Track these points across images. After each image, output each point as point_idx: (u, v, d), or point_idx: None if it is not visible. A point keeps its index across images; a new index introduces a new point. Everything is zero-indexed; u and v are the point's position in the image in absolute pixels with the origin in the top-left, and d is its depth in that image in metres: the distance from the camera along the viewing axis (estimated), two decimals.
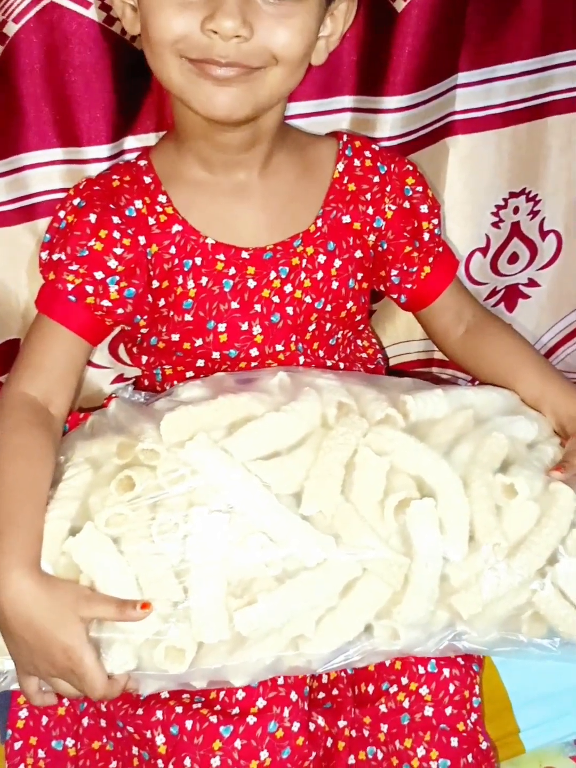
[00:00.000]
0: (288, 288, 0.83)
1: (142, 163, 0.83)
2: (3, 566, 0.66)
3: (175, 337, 0.83)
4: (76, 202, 0.80)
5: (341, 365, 0.90)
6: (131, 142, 0.87)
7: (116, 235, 0.79)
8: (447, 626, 0.71)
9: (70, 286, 0.78)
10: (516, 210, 1.03)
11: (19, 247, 0.88)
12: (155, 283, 0.81)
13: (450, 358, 0.97)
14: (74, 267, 0.78)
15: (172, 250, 0.81)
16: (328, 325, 0.87)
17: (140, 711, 0.73)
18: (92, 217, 0.78)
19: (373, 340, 0.98)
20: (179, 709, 0.71)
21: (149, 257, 0.81)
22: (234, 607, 0.66)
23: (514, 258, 1.07)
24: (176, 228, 0.81)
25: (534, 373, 0.86)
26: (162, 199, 0.81)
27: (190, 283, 0.81)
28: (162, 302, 0.82)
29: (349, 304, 0.87)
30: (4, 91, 0.79)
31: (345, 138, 0.87)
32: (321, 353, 0.88)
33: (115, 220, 0.79)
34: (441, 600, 0.70)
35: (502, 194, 1.01)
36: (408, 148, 0.93)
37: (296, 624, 0.67)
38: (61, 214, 0.81)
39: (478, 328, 0.92)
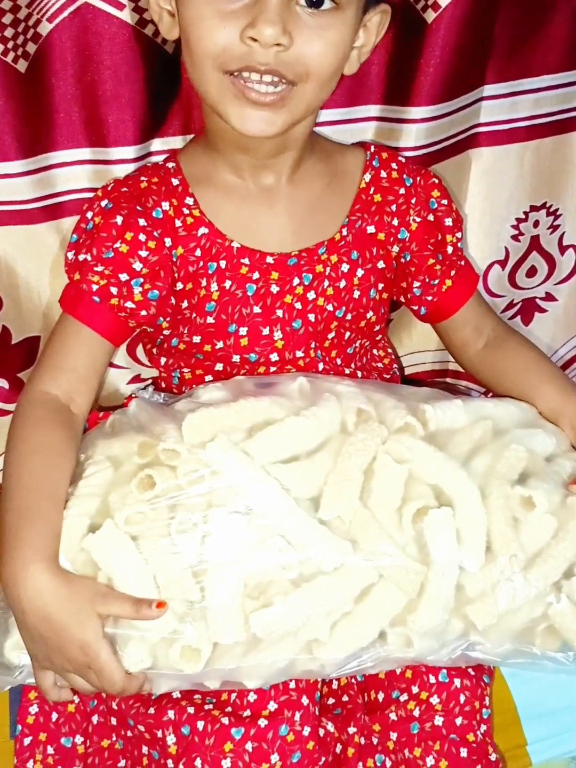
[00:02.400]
0: (311, 295, 0.84)
1: (170, 165, 0.83)
2: (21, 560, 0.66)
3: (197, 339, 0.84)
4: (103, 203, 0.80)
5: (358, 374, 0.90)
6: (158, 144, 0.88)
7: (142, 237, 0.79)
8: (461, 636, 0.71)
9: (94, 287, 0.79)
10: (536, 224, 1.03)
11: (43, 245, 0.88)
12: (179, 285, 0.82)
13: (468, 371, 0.97)
14: (99, 268, 0.78)
15: (198, 252, 0.81)
16: (348, 334, 0.88)
17: (152, 710, 0.73)
18: (119, 219, 0.79)
19: (389, 350, 0.98)
20: (191, 710, 0.72)
21: (174, 259, 0.81)
22: (250, 609, 0.66)
23: (532, 271, 1.07)
24: (202, 231, 0.81)
25: (553, 388, 0.86)
26: (189, 201, 0.81)
27: (214, 286, 0.82)
28: (185, 304, 0.83)
29: (369, 314, 0.88)
30: (35, 90, 0.80)
31: (372, 149, 0.87)
32: (339, 361, 0.89)
33: (142, 222, 0.79)
34: (456, 609, 0.70)
35: (523, 207, 1.02)
36: (431, 158, 0.93)
37: (311, 628, 0.67)
38: (89, 214, 0.81)
39: (497, 342, 0.92)
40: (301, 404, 0.73)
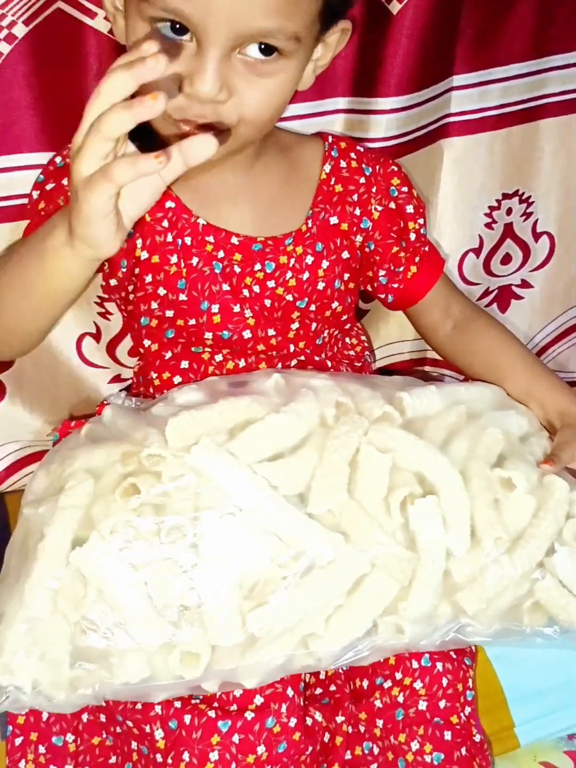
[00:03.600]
0: (270, 283, 0.84)
1: None
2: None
3: (169, 313, 0.83)
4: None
5: (328, 363, 0.91)
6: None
7: None
8: (451, 619, 0.71)
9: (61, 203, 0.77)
10: (509, 211, 1.04)
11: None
12: (144, 254, 0.81)
13: (439, 353, 0.98)
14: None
15: (165, 223, 0.81)
16: (314, 325, 0.88)
17: (139, 706, 0.73)
18: None
19: (363, 338, 0.98)
20: (178, 705, 0.72)
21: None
22: (246, 609, 0.66)
23: (507, 259, 1.08)
24: (169, 204, 0.81)
25: (521, 368, 0.87)
26: None
27: (182, 263, 0.81)
28: (149, 278, 0.82)
29: (335, 304, 0.88)
30: (4, 93, 0.79)
31: (330, 139, 0.87)
32: (308, 351, 0.89)
33: None
34: (444, 594, 0.70)
35: (495, 195, 1.02)
36: (403, 149, 0.93)
37: (307, 622, 0.67)
38: (58, 160, 0.81)
39: (465, 323, 0.93)
40: (278, 401, 0.73)
